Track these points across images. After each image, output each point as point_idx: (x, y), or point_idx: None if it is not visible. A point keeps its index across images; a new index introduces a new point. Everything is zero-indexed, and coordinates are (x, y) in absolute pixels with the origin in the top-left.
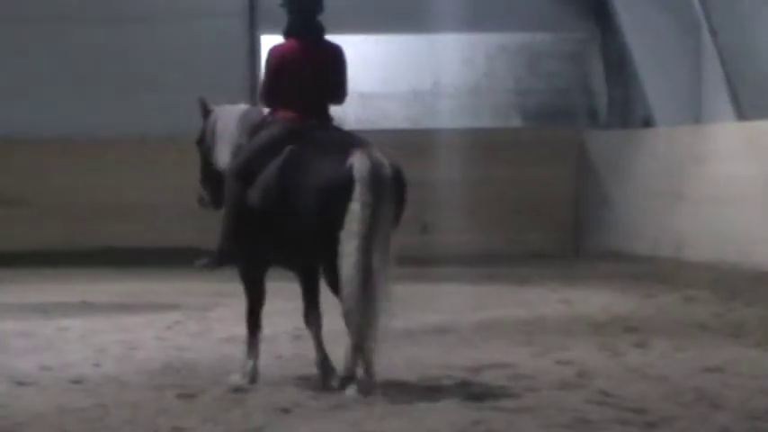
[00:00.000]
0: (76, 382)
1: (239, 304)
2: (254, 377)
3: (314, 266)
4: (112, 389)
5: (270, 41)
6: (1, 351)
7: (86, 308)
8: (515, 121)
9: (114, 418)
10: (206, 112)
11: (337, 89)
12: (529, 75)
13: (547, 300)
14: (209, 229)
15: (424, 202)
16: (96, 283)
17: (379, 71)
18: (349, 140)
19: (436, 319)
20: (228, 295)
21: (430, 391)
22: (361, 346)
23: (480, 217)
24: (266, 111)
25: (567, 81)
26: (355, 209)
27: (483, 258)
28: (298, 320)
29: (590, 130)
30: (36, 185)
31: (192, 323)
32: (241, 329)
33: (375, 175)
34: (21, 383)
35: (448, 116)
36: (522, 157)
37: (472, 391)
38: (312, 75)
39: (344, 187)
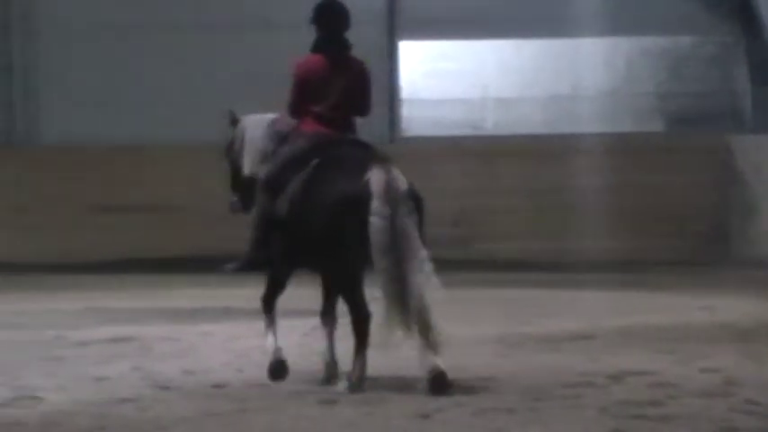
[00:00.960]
0: (219, 386)
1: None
2: (279, 355)
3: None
4: (254, 394)
5: (408, 47)
6: (146, 355)
7: (230, 313)
8: (656, 126)
9: (256, 424)
10: (234, 122)
11: (362, 103)
12: (670, 78)
13: (689, 307)
14: None
15: (560, 208)
16: (240, 289)
17: (518, 76)
18: (368, 156)
19: (576, 326)
20: (373, 299)
21: (571, 398)
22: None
23: (619, 223)
24: (291, 121)
25: (710, 84)
26: (375, 222)
27: (622, 265)
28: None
29: (734, 134)
30: (185, 190)
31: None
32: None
33: (391, 189)
34: (164, 387)
35: (587, 121)
36: (664, 163)
37: (614, 399)
38: (337, 89)
39: (361, 202)
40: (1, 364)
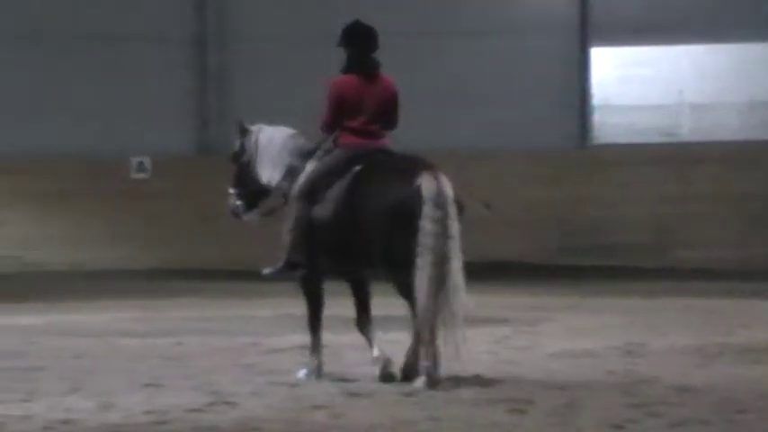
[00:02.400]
0: (409, 394)
1: (568, 319)
2: (319, 373)
3: (366, 277)
4: (444, 402)
5: (600, 54)
6: (337, 362)
7: None
8: None
9: None
10: (243, 131)
11: (392, 117)
12: None
13: None
14: (536, 243)
15: (760, 216)
16: None
17: (714, 81)
18: (413, 162)
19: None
20: (555, 310)
21: None
22: (431, 345)
23: None
24: (304, 137)
25: None
26: (425, 226)
27: None
28: (629, 336)
29: None
30: None
31: (520, 337)
32: (571, 345)
33: (441, 194)
34: (356, 395)
35: None
36: None
37: None
38: (370, 105)
39: (413, 205)
40: (195, 370)
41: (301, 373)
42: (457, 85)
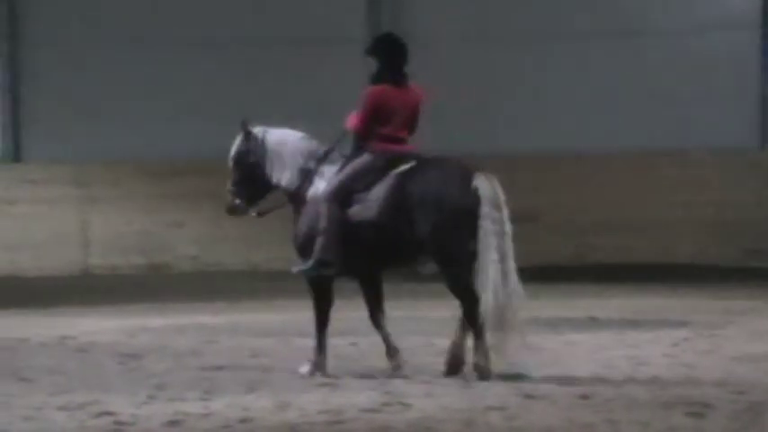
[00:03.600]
0: (584, 397)
1: (751, 322)
2: (323, 372)
3: (379, 275)
4: (620, 405)
5: None
6: (512, 364)
7: (594, 323)
8: None
9: None
10: (247, 133)
11: (415, 125)
12: None
13: None
14: (722, 245)
15: None
16: (604, 299)
17: None
18: (462, 165)
19: None
20: (738, 313)
21: None
22: (484, 340)
23: None
24: (315, 139)
25: None
26: (486, 225)
27: None
28: None
29: None
30: (547, 200)
31: (700, 340)
32: (753, 348)
33: (496, 194)
34: (530, 396)
35: None
36: None
37: None
38: (401, 114)
39: (474, 206)
40: (370, 370)
41: (304, 369)
42: (647, 84)
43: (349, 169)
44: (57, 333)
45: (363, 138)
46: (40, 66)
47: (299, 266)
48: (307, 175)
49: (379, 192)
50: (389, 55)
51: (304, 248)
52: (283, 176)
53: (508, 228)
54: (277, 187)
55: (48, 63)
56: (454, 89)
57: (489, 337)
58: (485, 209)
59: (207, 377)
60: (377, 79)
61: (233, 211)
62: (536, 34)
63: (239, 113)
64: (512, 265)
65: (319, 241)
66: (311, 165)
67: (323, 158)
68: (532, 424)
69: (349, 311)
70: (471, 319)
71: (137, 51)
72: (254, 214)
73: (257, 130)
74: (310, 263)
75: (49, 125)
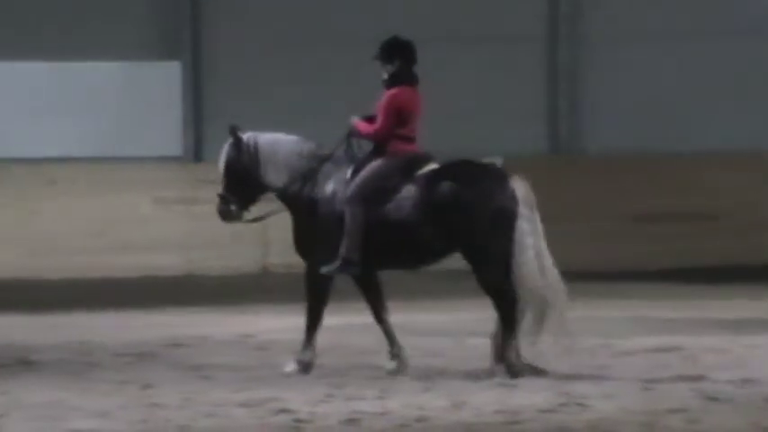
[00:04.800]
0: None
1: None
2: (309, 369)
3: (377, 274)
4: None
5: None
6: (692, 366)
7: None
8: None
9: None
10: (237, 139)
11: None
12: None
13: None
14: None
15: None
16: None
17: None
18: (493, 166)
19: None
20: None
21: None
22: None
23: None
24: (310, 141)
25: None
26: (523, 226)
27: None
28: None
29: None
30: (727, 198)
31: None
32: None
33: (530, 196)
34: (713, 399)
35: None
36: None
37: None
38: (414, 115)
39: (513, 208)
40: (547, 370)
41: (289, 368)
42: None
43: (372, 170)
44: (236, 331)
45: (385, 139)
46: (221, 65)
47: (327, 267)
48: (307, 176)
49: (408, 192)
50: (406, 57)
51: (322, 248)
52: (279, 178)
53: (540, 227)
54: (271, 190)
55: (229, 62)
56: (628, 88)
57: (526, 334)
58: (522, 210)
59: (383, 376)
60: (395, 81)
61: (226, 216)
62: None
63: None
64: (549, 261)
65: (345, 242)
66: (313, 165)
67: (327, 159)
68: (715, 427)
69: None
70: (508, 318)
71: (320, 49)
72: (248, 220)
73: (247, 135)
74: (337, 263)
75: (230, 118)
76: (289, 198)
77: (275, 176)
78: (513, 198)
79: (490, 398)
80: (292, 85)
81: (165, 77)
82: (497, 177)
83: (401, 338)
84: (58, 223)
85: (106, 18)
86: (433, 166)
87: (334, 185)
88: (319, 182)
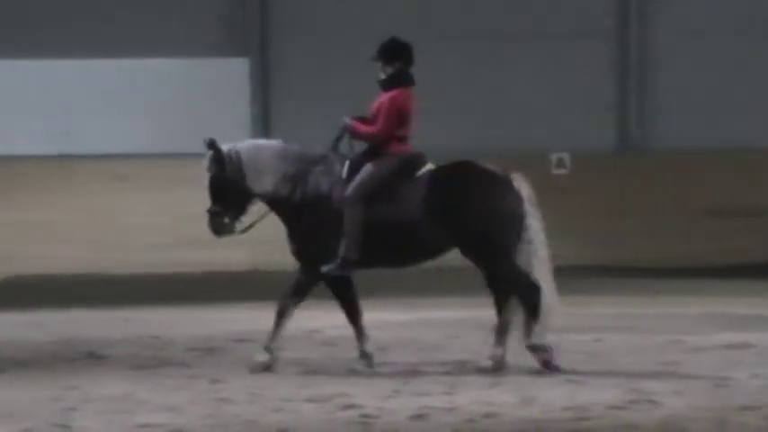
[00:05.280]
0: None
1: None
2: (273, 359)
3: (351, 278)
4: None
5: None
6: (764, 363)
7: None
8: None
9: None
10: (217, 151)
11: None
12: None
13: None
14: None
15: None
16: None
17: None
18: (492, 167)
19: None
20: None
21: None
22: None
23: None
24: (297, 144)
25: None
26: (532, 224)
27: None
28: None
29: None
30: None
31: None
32: None
33: (531, 195)
34: None
35: None
36: None
37: None
38: (411, 116)
39: (520, 206)
40: (616, 367)
41: (261, 358)
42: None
43: (371, 170)
44: (304, 326)
45: (385, 139)
46: (288, 62)
47: (328, 266)
48: (296, 179)
49: (408, 193)
50: (406, 58)
51: (321, 249)
52: (266, 184)
53: (541, 225)
54: (260, 197)
55: (296, 59)
56: (701, 85)
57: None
58: (528, 208)
59: (451, 372)
60: (394, 82)
61: (220, 230)
62: None
63: (482, 107)
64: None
65: (344, 241)
66: (301, 167)
67: (317, 161)
68: None
69: (595, 308)
70: (532, 306)
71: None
72: (241, 231)
73: (227, 147)
74: (337, 262)
75: (297, 116)
76: (279, 202)
77: (262, 183)
78: (519, 197)
79: (559, 394)
80: (358, 84)
81: (234, 74)
82: (503, 177)
83: (468, 334)
84: (128, 219)
85: (176, 15)
86: (429, 166)
87: (329, 185)
88: (310, 183)
